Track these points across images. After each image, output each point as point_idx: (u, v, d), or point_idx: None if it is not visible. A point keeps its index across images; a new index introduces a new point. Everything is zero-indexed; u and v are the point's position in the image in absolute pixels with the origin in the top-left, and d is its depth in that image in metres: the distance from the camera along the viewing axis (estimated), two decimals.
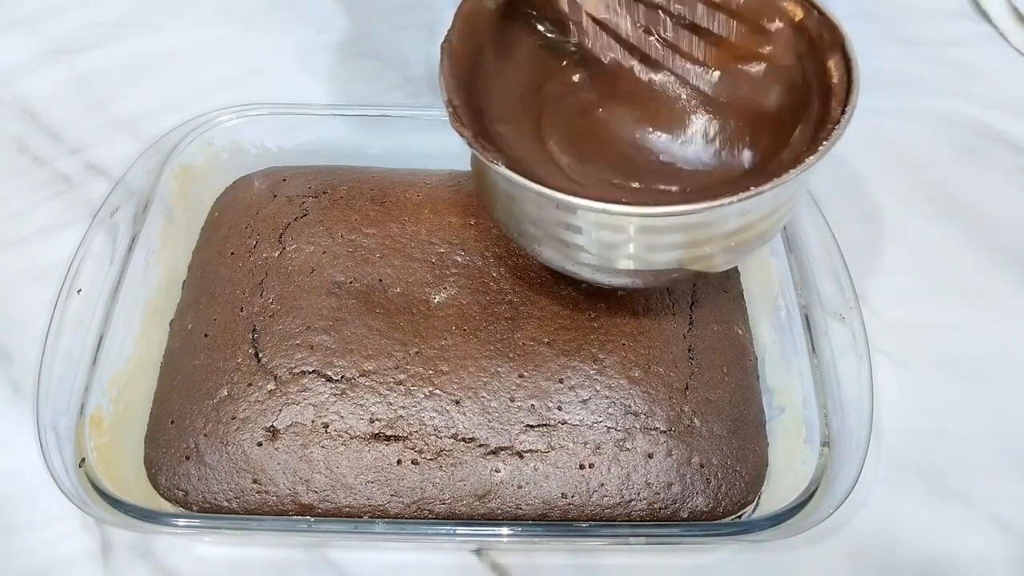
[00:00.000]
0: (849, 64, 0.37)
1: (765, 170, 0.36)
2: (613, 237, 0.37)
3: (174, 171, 0.50)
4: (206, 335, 0.45)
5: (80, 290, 0.45)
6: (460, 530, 0.39)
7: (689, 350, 0.45)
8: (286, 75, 0.63)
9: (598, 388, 0.43)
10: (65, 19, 0.66)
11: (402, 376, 0.43)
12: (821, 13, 0.39)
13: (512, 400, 0.42)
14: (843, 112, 0.36)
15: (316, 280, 0.46)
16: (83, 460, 0.40)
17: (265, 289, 0.46)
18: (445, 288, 0.46)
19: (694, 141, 0.41)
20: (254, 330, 0.44)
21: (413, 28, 0.66)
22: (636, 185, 0.39)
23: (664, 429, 0.42)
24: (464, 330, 0.44)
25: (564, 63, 0.43)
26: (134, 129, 0.59)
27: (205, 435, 0.42)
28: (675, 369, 0.44)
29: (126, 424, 0.43)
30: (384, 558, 0.42)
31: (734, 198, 0.33)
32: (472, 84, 0.40)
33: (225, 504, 0.41)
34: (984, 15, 0.68)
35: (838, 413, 0.42)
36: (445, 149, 0.52)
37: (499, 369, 0.43)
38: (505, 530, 0.39)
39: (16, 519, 0.42)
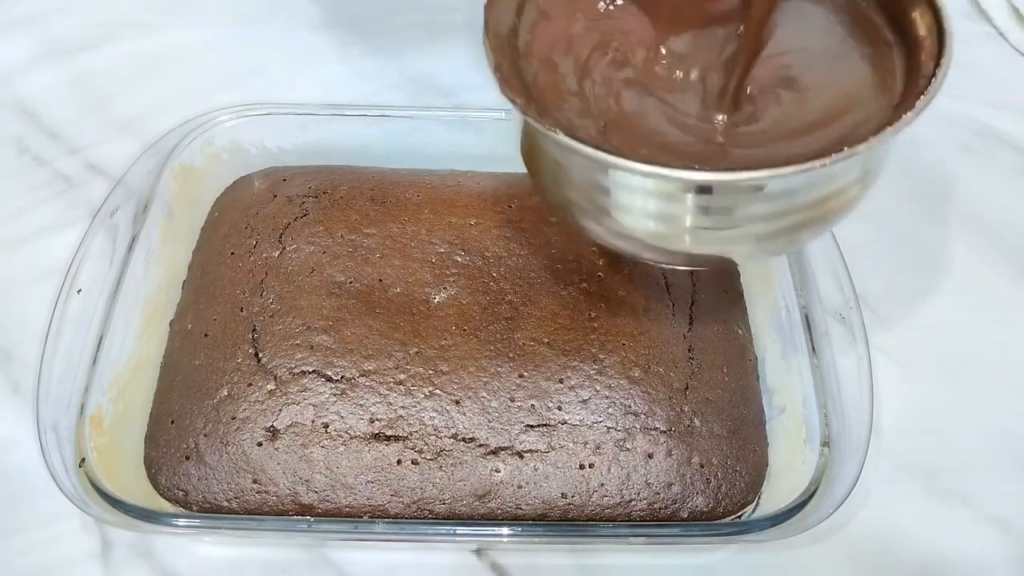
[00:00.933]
0: (938, 14, 0.34)
1: (835, 130, 0.34)
2: (674, 208, 0.34)
3: (174, 171, 0.50)
4: (206, 335, 0.45)
5: (80, 290, 0.45)
6: (460, 530, 0.39)
7: (689, 350, 0.45)
8: (286, 75, 0.63)
9: (598, 388, 0.43)
10: (65, 19, 0.66)
11: (402, 376, 0.43)
12: None
13: (512, 400, 0.42)
14: (937, 65, 0.33)
15: (316, 280, 0.46)
16: (83, 460, 0.40)
17: (265, 289, 0.46)
18: (445, 288, 0.46)
19: (751, 97, 0.37)
20: (254, 330, 0.44)
21: (413, 28, 0.66)
22: (695, 145, 0.35)
23: (664, 429, 0.42)
24: (464, 330, 0.44)
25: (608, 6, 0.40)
26: (134, 129, 0.59)
27: (205, 435, 0.42)
28: (675, 369, 0.44)
29: (126, 424, 0.43)
30: (384, 558, 0.42)
31: (827, 160, 0.30)
32: (514, 44, 0.37)
33: (225, 504, 0.41)
34: (984, 15, 0.68)
35: (838, 413, 0.41)
36: (445, 149, 0.53)
37: (499, 369, 0.43)
38: (505, 530, 0.39)
39: (16, 519, 0.42)
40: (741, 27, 0.37)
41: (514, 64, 0.36)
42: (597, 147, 0.31)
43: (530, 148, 0.38)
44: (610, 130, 0.35)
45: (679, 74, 0.38)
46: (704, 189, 0.33)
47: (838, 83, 0.36)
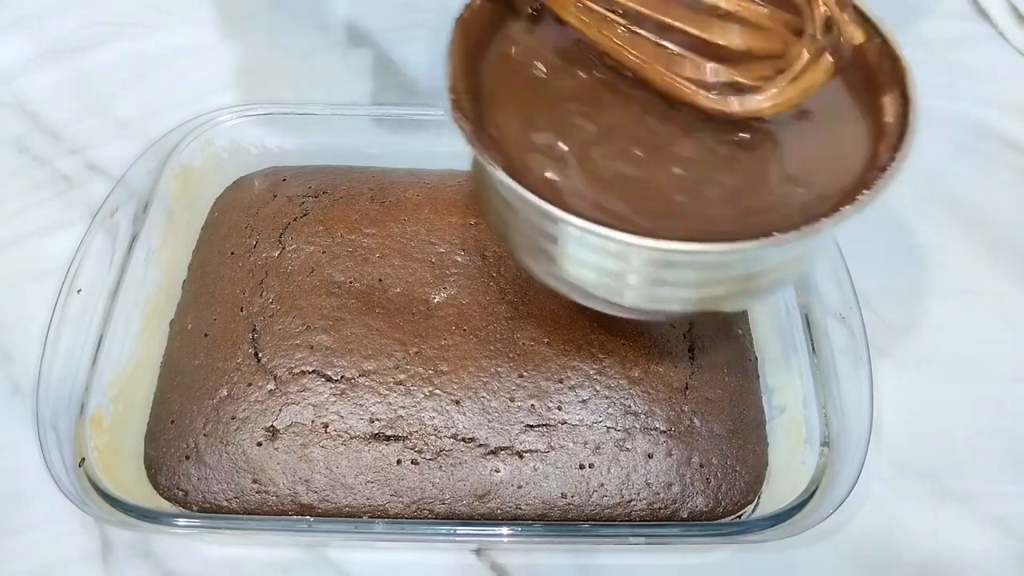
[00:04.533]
0: (907, 105, 0.33)
1: (789, 205, 0.32)
2: (618, 266, 0.33)
3: (174, 171, 0.50)
4: (206, 335, 0.45)
5: (80, 290, 0.45)
6: (460, 530, 0.39)
7: (689, 350, 0.45)
8: (286, 75, 0.63)
9: (598, 388, 0.43)
10: (65, 19, 0.66)
11: (402, 376, 0.43)
12: (885, 41, 0.34)
13: (512, 400, 0.42)
14: (892, 159, 0.32)
15: (316, 280, 0.46)
16: (83, 460, 0.40)
17: (265, 289, 0.46)
18: (445, 288, 0.46)
19: (710, 155, 0.35)
20: (254, 330, 0.44)
21: (413, 28, 0.66)
22: (650, 205, 0.33)
23: (664, 429, 0.42)
24: (464, 330, 0.44)
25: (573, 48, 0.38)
26: (134, 129, 0.59)
27: (205, 435, 0.42)
28: (675, 369, 0.44)
29: (126, 424, 0.43)
30: (384, 558, 0.42)
31: (755, 243, 0.30)
32: (479, 67, 0.36)
33: (225, 504, 0.41)
34: (984, 15, 0.68)
35: (838, 413, 0.41)
36: (445, 149, 0.53)
37: (499, 369, 0.43)
38: (505, 530, 0.39)
39: (16, 519, 0.42)
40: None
41: (473, 90, 0.35)
42: (539, 194, 0.31)
43: (477, 175, 0.38)
44: (565, 176, 0.34)
45: (646, 122, 0.36)
46: (631, 251, 0.32)
47: (800, 147, 0.35)
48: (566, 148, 0.34)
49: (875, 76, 0.35)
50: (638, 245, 0.30)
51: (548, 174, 0.33)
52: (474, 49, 0.37)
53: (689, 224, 0.32)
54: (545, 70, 0.37)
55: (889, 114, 0.34)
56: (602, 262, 0.33)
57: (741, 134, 0.35)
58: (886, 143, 0.33)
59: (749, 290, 0.35)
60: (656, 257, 0.32)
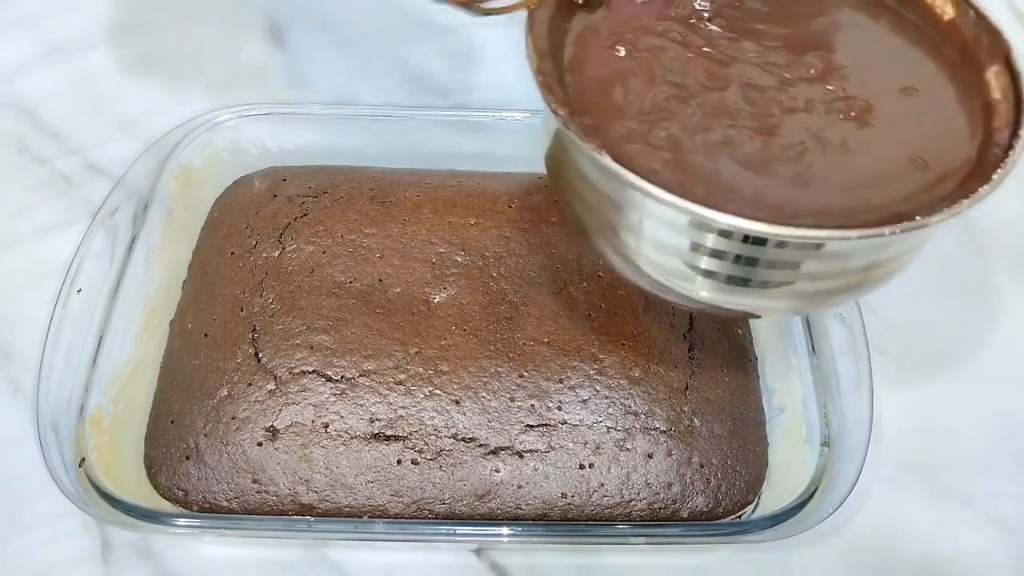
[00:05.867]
0: (1017, 78, 0.32)
1: (905, 185, 0.31)
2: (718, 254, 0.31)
3: (174, 171, 0.50)
4: (206, 335, 0.45)
5: (80, 290, 0.45)
6: (460, 530, 0.39)
7: (689, 350, 0.45)
8: (286, 75, 0.63)
9: (598, 388, 0.43)
10: (65, 19, 0.66)
11: (402, 376, 0.43)
12: (980, 15, 0.33)
13: (512, 400, 0.42)
14: (1015, 135, 0.31)
15: (316, 280, 0.46)
16: (83, 460, 0.40)
17: (265, 289, 0.46)
18: (445, 288, 0.46)
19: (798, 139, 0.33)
20: (254, 330, 0.44)
21: (413, 27, 0.66)
22: (763, 193, 0.31)
23: (664, 429, 0.42)
24: (464, 330, 0.44)
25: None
26: (134, 129, 0.59)
27: (205, 435, 0.42)
28: (675, 369, 0.44)
29: (126, 424, 0.43)
30: (384, 558, 0.42)
31: (896, 228, 0.28)
32: (558, 55, 0.34)
33: (225, 504, 0.41)
34: None
35: (838, 413, 0.41)
36: (445, 149, 0.53)
37: (499, 369, 0.43)
38: (505, 530, 0.39)
39: (16, 519, 0.42)
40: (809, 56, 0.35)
41: (558, 73, 0.34)
42: (642, 174, 0.29)
43: (559, 163, 0.36)
44: (654, 154, 0.32)
45: (742, 107, 0.34)
46: (757, 240, 0.30)
47: (912, 129, 0.33)
48: (666, 136, 0.33)
49: (974, 52, 0.34)
50: (776, 234, 0.29)
51: (651, 163, 0.31)
52: (551, 34, 0.35)
53: (810, 212, 0.30)
54: (626, 52, 0.36)
55: (996, 90, 0.33)
56: (722, 252, 0.31)
57: (849, 112, 0.34)
58: (999, 120, 0.32)
59: (860, 284, 0.33)
60: (785, 244, 0.30)
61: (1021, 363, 0.49)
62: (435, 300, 0.45)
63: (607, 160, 0.30)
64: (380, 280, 0.46)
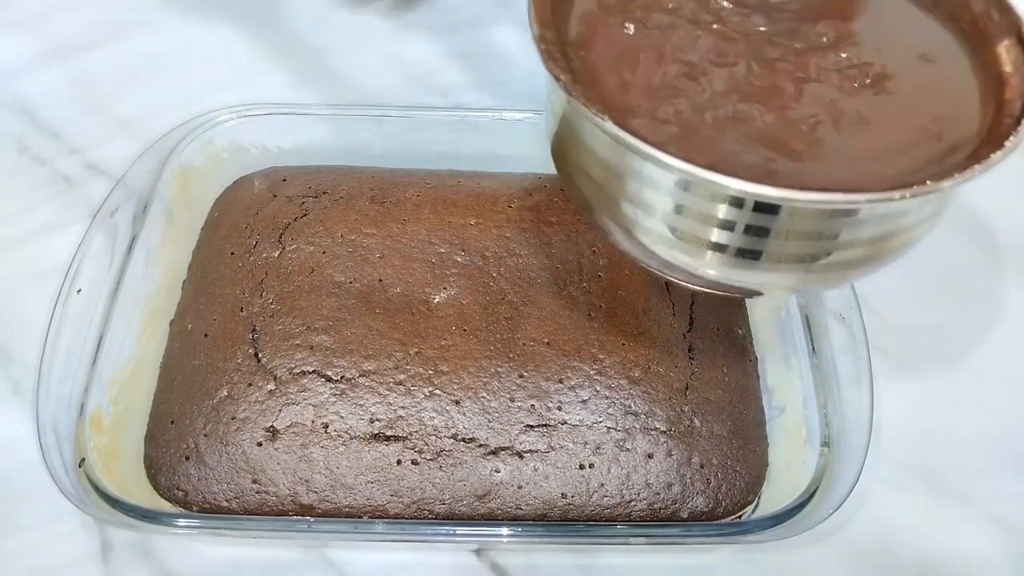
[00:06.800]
0: None
1: (919, 154, 0.31)
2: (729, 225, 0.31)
3: (174, 171, 0.50)
4: (206, 335, 0.45)
5: (80, 290, 0.45)
6: (460, 530, 0.39)
7: (689, 350, 0.45)
8: (286, 75, 0.63)
9: (598, 388, 0.43)
10: (65, 19, 0.66)
11: (402, 376, 0.43)
12: None
13: (512, 400, 0.42)
14: None
15: (316, 280, 0.46)
16: (83, 460, 0.40)
17: (265, 289, 0.46)
18: (445, 288, 0.46)
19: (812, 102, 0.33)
20: (254, 330, 0.44)
21: (413, 27, 0.66)
22: (775, 163, 0.31)
23: (664, 429, 0.42)
24: (464, 330, 0.44)
25: None
26: (134, 129, 0.59)
27: (205, 435, 0.42)
28: (675, 369, 0.44)
29: (126, 424, 0.43)
30: (384, 558, 0.42)
31: (907, 191, 0.28)
32: (563, 24, 0.34)
33: (225, 504, 0.41)
34: None
35: (838, 413, 0.41)
36: (445, 149, 0.53)
37: (499, 369, 0.43)
38: (505, 530, 0.39)
39: (16, 519, 0.42)
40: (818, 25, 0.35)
41: (560, 42, 0.34)
42: (655, 145, 0.29)
43: (564, 137, 0.36)
44: (660, 128, 0.32)
45: (753, 81, 0.34)
46: (766, 208, 0.30)
47: (927, 99, 0.34)
48: (673, 112, 0.32)
49: (984, 26, 0.34)
50: (788, 199, 0.28)
51: (657, 136, 0.31)
52: (555, 6, 0.35)
53: (822, 181, 0.30)
54: (634, 27, 0.36)
55: (1007, 63, 0.33)
56: (730, 223, 0.31)
57: (864, 79, 0.34)
58: (1011, 91, 0.32)
59: (869, 257, 0.33)
60: (796, 212, 0.30)
61: (1021, 363, 0.49)
62: (435, 300, 0.45)
63: (610, 124, 0.30)
64: (380, 280, 0.46)
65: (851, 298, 0.45)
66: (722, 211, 0.31)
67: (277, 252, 0.47)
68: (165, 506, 0.41)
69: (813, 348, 0.44)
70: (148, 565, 0.41)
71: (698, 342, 0.45)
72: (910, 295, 0.52)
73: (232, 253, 0.48)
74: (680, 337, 0.45)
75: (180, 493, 0.41)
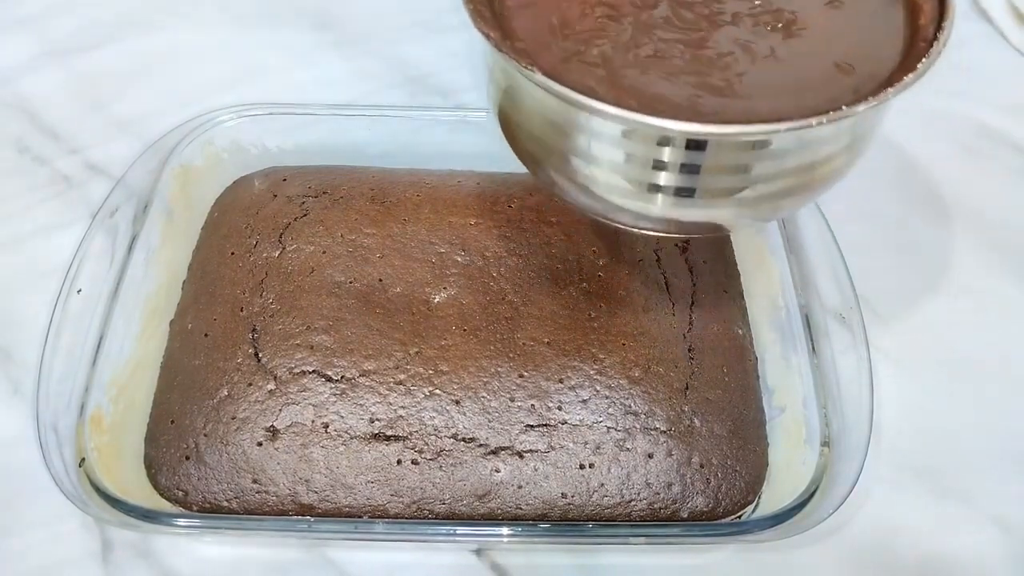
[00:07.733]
0: None
1: (833, 87, 0.32)
2: (661, 163, 0.32)
3: (174, 171, 0.50)
4: (206, 335, 0.45)
5: (80, 290, 0.45)
6: (460, 530, 0.39)
7: (689, 350, 0.45)
8: (286, 75, 0.63)
9: (598, 388, 0.43)
10: (65, 19, 0.66)
11: (402, 376, 0.43)
12: None
13: (512, 400, 0.42)
14: (940, 28, 0.33)
15: (316, 280, 0.46)
16: (83, 460, 0.40)
17: (265, 289, 0.46)
18: (445, 288, 0.46)
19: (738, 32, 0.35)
20: (254, 330, 0.44)
21: (413, 27, 0.66)
22: (696, 100, 0.33)
23: (664, 429, 0.42)
24: (464, 330, 0.44)
25: None
26: (134, 129, 0.59)
27: (205, 435, 0.42)
28: (675, 369, 0.44)
29: (126, 424, 0.43)
30: (384, 558, 0.42)
31: (822, 118, 0.29)
32: None
33: (225, 504, 0.41)
34: (984, 15, 0.68)
35: (838, 413, 0.41)
36: (445, 149, 0.53)
37: (499, 369, 0.43)
38: (505, 530, 0.39)
39: (16, 519, 0.42)
40: None
41: (490, 2, 0.35)
42: (578, 90, 0.30)
43: (507, 110, 0.37)
44: (588, 72, 0.33)
45: (672, 22, 0.36)
46: (694, 144, 0.32)
47: (838, 38, 0.35)
48: (599, 53, 0.34)
49: None
50: (710, 132, 0.30)
51: (586, 80, 0.33)
52: None
53: (742, 119, 0.32)
54: None
55: None
56: (654, 162, 0.33)
57: (776, 23, 0.36)
58: (924, 17, 0.34)
59: (800, 187, 0.35)
60: (721, 144, 0.31)
61: (1021, 363, 0.49)
62: (435, 300, 0.45)
63: (539, 76, 0.31)
64: (380, 280, 0.46)
65: (851, 298, 0.45)
66: (655, 151, 0.33)
67: (277, 252, 0.47)
68: (165, 506, 0.41)
69: (813, 348, 0.44)
70: (148, 565, 0.41)
71: (698, 342, 0.45)
72: (910, 295, 0.52)
73: (232, 253, 0.48)
74: (680, 337, 0.45)
75: (180, 493, 0.41)
